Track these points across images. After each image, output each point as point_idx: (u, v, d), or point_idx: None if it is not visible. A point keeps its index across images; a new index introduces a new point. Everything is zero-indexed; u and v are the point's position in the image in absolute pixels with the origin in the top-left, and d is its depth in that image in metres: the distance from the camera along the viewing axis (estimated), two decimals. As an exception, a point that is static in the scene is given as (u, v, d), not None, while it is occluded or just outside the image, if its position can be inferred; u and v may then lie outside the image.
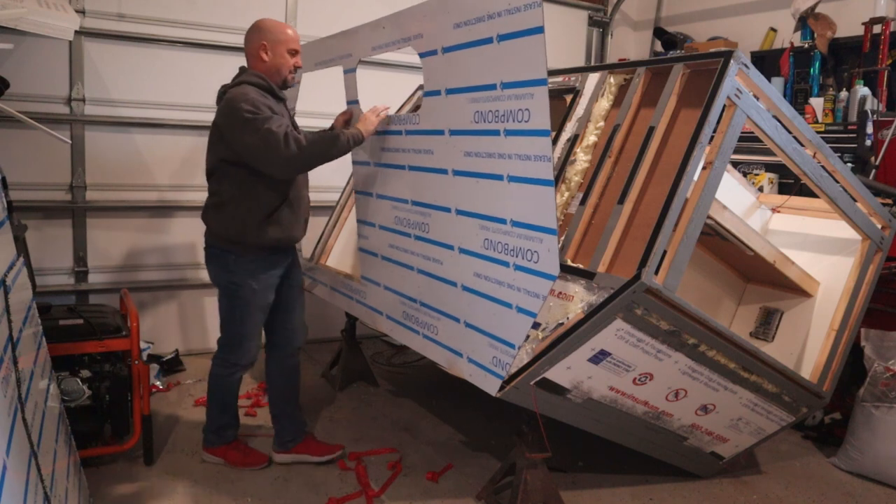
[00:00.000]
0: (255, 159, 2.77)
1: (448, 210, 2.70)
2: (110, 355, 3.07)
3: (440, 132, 2.68)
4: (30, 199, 4.04)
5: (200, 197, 4.56)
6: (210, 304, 4.73)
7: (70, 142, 4.03)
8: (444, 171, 2.69)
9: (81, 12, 4.03)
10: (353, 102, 3.29)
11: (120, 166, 4.34)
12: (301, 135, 2.78)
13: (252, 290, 2.95)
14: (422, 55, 2.71)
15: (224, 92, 2.91)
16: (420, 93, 3.95)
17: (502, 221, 2.41)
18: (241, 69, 2.99)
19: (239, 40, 4.49)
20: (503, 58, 2.27)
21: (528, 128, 2.22)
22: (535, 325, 2.48)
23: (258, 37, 2.91)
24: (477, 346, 2.62)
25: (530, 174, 2.25)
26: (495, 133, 2.37)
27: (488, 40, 2.32)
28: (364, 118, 2.99)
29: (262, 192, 2.87)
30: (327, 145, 2.83)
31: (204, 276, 4.64)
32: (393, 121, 3.01)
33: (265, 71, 2.91)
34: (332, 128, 3.21)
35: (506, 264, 2.42)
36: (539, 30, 2.11)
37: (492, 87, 2.36)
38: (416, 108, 3.31)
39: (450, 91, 2.59)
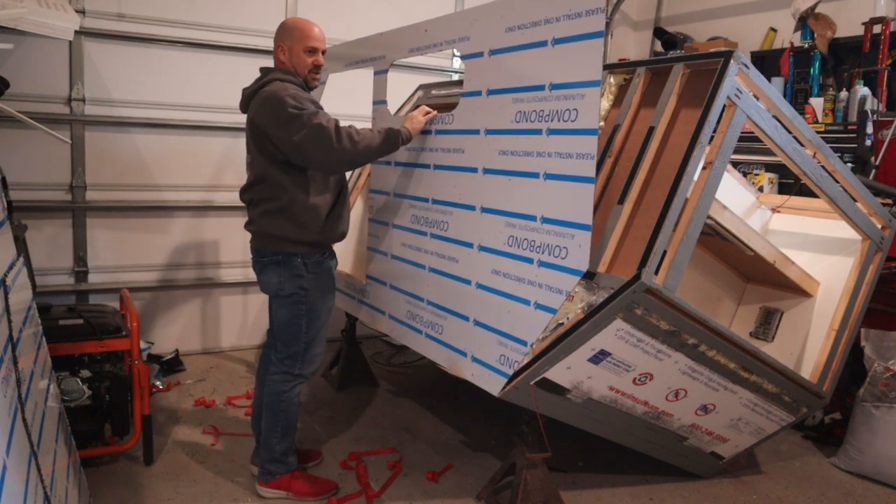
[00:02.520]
0: (305, 157, 2.63)
1: (472, 208, 2.75)
2: (110, 355, 3.07)
3: (475, 132, 2.74)
4: (30, 199, 4.04)
5: (201, 197, 4.60)
6: (209, 304, 4.74)
7: (70, 142, 4.03)
8: (473, 170, 2.75)
9: (81, 12, 4.03)
10: (380, 103, 3.35)
11: (120, 166, 4.34)
12: (351, 128, 2.69)
13: (320, 293, 2.85)
14: (465, 57, 2.80)
15: (253, 94, 2.77)
16: (420, 92, 3.96)
17: (532, 218, 2.46)
18: (264, 70, 2.86)
19: (238, 40, 4.56)
20: (556, 60, 2.35)
21: (575, 127, 2.29)
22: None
23: (277, 37, 2.82)
24: (484, 344, 2.63)
25: (570, 172, 2.31)
26: (536, 132, 2.44)
27: (542, 43, 2.40)
28: (411, 118, 2.97)
29: (322, 187, 2.77)
30: (380, 141, 2.75)
31: (203, 275, 4.67)
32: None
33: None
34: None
35: (529, 261, 2.46)
36: (600, 34, 2.20)
37: (539, 87, 2.43)
38: (416, 107, 3.33)
39: (492, 92, 2.66)
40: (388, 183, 3.31)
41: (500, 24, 2.59)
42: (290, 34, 2.80)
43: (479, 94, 2.73)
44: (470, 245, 2.76)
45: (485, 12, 2.69)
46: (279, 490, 2.91)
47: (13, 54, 3.87)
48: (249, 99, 2.79)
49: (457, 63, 5.39)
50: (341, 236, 2.92)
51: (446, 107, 2.99)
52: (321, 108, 2.71)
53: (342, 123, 2.68)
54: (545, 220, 2.41)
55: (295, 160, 2.67)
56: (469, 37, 2.77)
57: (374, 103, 3.39)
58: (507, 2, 2.57)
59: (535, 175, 2.45)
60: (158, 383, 4.05)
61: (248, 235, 2.90)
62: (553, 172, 2.38)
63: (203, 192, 4.62)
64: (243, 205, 2.91)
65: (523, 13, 2.48)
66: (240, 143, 4.59)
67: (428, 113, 3.01)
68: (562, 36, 2.32)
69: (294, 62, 2.80)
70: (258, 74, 2.87)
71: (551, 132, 2.38)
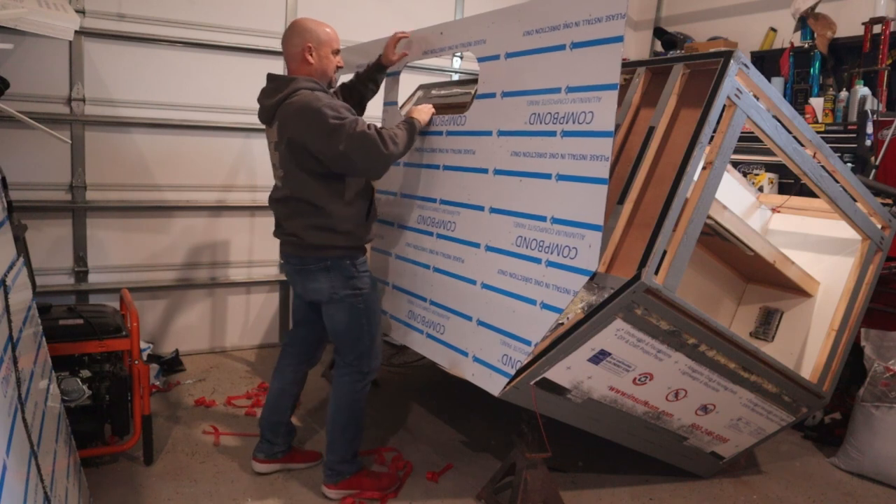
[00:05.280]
0: (351, 165, 2.63)
1: (481, 208, 2.75)
2: (110, 355, 3.07)
3: (487, 133, 2.75)
4: (30, 199, 4.04)
5: (200, 197, 4.60)
6: (209, 304, 4.73)
7: (70, 142, 4.03)
8: (483, 171, 2.75)
9: (81, 12, 4.03)
10: (391, 104, 3.36)
11: (120, 166, 4.34)
12: (385, 130, 2.71)
13: (372, 289, 2.89)
14: (481, 59, 2.81)
15: (277, 105, 2.69)
16: (420, 92, 3.96)
17: (541, 219, 2.46)
18: (274, 77, 2.78)
19: (238, 40, 4.55)
20: (574, 64, 2.36)
21: (590, 129, 2.30)
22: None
23: (301, 39, 2.72)
24: (486, 344, 2.63)
25: (583, 173, 2.31)
26: (550, 134, 2.44)
27: (560, 47, 2.41)
28: (419, 110, 2.99)
29: (355, 196, 2.77)
30: (408, 136, 2.80)
31: (204, 275, 4.67)
32: (434, 121, 3.06)
33: (312, 74, 2.74)
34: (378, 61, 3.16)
35: (537, 261, 2.46)
36: (619, 38, 2.20)
37: (555, 90, 2.44)
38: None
39: (507, 94, 2.67)
40: (394, 183, 3.30)
41: (518, 27, 2.60)
42: (317, 36, 2.74)
43: (493, 95, 2.74)
44: (477, 245, 2.76)
45: (502, 16, 2.70)
46: (349, 490, 2.91)
47: (13, 54, 3.87)
48: (273, 110, 2.72)
49: (457, 63, 5.39)
50: (375, 235, 2.99)
51: (446, 107, 3.00)
52: (353, 112, 2.69)
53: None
54: (555, 221, 2.41)
55: (338, 169, 2.65)
56: (485, 40, 2.78)
57: (385, 104, 3.39)
58: (526, 6, 2.58)
59: (547, 176, 2.45)
60: (158, 383, 4.04)
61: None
62: (566, 173, 2.38)
63: (203, 192, 4.62)
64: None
65: (542, 17, 2.49)
66: (241, 143, 4.60)
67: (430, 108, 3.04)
68: (581, 40, 2.33)
69: (324, 65, 2.76)
70: (260, 75, 2.82)
71: (566, 134, 2.38)
